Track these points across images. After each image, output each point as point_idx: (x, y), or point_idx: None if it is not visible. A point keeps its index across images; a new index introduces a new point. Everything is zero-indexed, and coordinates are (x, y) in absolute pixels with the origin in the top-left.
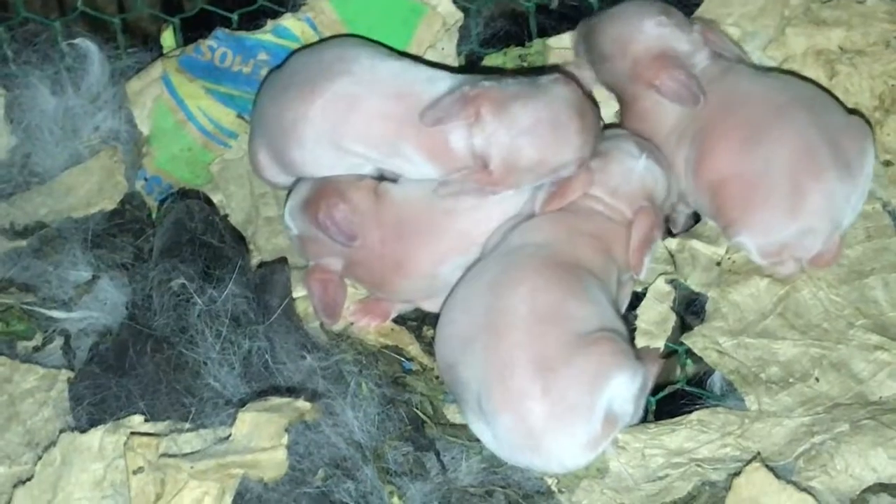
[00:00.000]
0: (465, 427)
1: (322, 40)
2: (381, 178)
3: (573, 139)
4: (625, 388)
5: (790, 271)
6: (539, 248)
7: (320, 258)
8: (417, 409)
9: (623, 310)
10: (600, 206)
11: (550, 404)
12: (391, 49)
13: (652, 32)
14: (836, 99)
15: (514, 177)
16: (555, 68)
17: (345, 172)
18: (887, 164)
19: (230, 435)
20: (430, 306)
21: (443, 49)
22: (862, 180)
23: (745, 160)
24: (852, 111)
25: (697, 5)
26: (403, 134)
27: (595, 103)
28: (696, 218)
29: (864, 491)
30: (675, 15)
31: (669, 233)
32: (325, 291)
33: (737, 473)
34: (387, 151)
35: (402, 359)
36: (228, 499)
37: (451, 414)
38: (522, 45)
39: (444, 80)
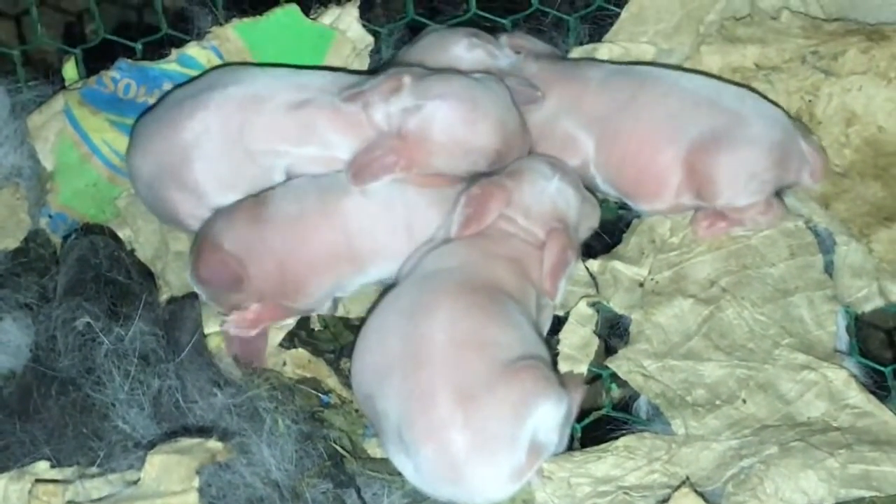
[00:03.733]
0: (386, 461)
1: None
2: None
3: (489, 124)
4: (549, 417)
5: (772, 216)
6: (455, 273)
7: (234, 305)
8: (336, 444)
9: (544, 333)
10: (513, 228)
11: (472, 434)
12: None
13: (467, 57)
14: None
15: (427, 150)
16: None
17: (247, 185)
18: None
19: (139, 479)
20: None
21: None
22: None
23: (681, 135)
24: None
25: (610, 25)
26: (316, 117)
27: (520, 115)
28: (616, 239)
29: None
30: (480, 34)
31: (590, 255)
32: (247, 346)
33: (665, 500)
34: (300, 140)
35: (320, 393)
36: None
37: (372, 448)
38: None
39: (348, 77)
